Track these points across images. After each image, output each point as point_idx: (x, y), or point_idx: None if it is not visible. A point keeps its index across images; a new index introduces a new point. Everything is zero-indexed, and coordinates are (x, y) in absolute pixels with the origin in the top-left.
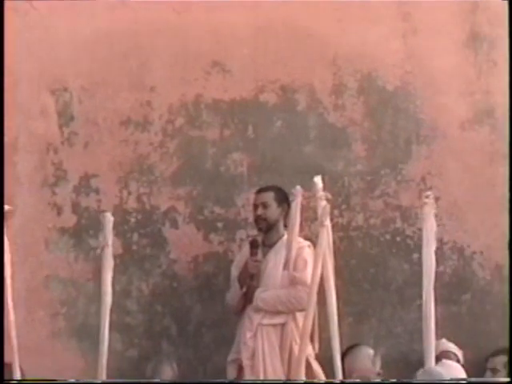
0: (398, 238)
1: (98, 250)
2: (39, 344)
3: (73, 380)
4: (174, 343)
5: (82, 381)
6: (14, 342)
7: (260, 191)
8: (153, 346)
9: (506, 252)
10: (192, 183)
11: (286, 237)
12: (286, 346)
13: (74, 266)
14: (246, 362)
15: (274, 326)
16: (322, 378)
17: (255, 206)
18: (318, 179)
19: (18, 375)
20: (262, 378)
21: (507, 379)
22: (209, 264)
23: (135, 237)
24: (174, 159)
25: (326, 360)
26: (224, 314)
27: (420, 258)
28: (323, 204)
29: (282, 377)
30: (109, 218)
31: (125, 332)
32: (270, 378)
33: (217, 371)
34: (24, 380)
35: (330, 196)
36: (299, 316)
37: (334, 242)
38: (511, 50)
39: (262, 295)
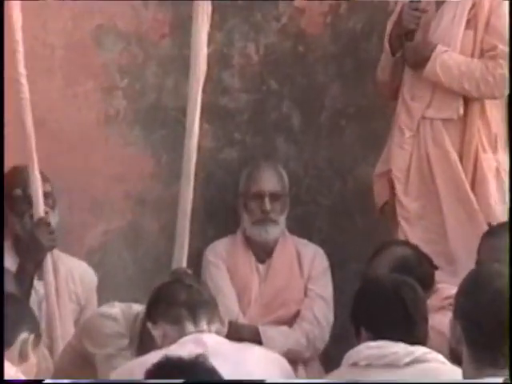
0: None
1: None
2: None
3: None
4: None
5: (82, 381)
6: None
7: None
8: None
9: None
10: None
11: None
12: (468, 151)
13: None
14: (396, 175)
15: (445, 120)
16: None
17: None
18: None
19: None
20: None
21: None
22: None
23: None
24: None
25: None
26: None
27: None
28: None
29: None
30: None
31: None
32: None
33: (360, 185)
34: (26, 380)
35: None
36: (489, 106)
37: None
38: (511, 50)
39: None
